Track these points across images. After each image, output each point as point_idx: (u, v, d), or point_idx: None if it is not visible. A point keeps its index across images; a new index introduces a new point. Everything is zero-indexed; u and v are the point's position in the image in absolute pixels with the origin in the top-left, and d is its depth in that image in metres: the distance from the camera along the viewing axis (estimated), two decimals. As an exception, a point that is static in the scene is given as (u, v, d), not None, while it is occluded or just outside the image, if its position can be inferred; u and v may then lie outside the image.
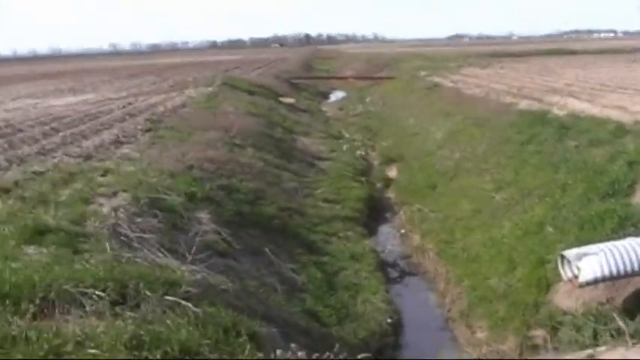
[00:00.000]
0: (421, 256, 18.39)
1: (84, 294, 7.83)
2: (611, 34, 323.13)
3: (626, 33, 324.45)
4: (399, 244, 19.97)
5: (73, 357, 6.63)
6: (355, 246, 17.84)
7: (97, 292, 7.88)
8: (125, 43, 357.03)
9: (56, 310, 7.59)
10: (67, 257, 9.16)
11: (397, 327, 14.37)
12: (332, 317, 13.23)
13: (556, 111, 23.96)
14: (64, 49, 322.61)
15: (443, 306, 15.57)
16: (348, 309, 13.99)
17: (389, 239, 20.30)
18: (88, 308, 7.65)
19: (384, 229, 21.66)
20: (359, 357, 8.41)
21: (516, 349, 11.97)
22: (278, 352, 7.74)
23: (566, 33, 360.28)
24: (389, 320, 14.05)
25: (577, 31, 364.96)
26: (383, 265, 17.63)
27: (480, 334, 13.43)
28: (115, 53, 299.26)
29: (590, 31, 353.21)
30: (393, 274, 17.80)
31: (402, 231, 20.77)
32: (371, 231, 20.56)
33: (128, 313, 7.67)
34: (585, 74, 41.75)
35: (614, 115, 21.04)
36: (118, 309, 7.75)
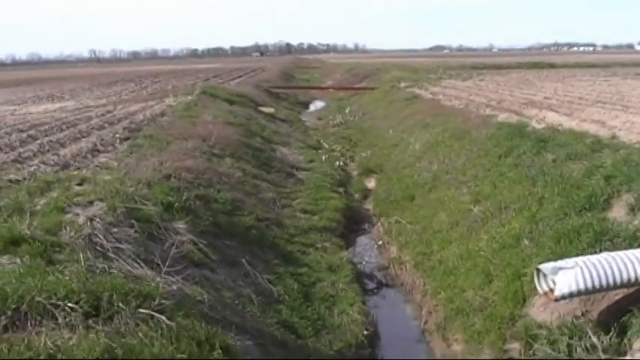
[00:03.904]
0: (398, 267, 18.35)
1: (56, 306, 7.76)
2: (591, 48, 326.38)
3: (605, 47, 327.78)
4: (377, 255, 19.91)
5: (45, 370, 6.59)
6: (332, 257, 17.77)
7: (69, 304, 7.81)
8: (105, 50, 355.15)
9: (28, 323, 7.52)
10: (41, 268, 9.05)
11: (373, 339, 14.31)
12: (308, 329, 13.15)
13: (534, 124, 24.06)
14: (43, 56, 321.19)
15: (419, 318, 15.53)
16: (325, 320, 13.92)
17: (366, 251, 20.22)
18: (60, 321, 7.58)
19: (362, 241, 21.62)
20: None
21: (491, 362, 11.99)
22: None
23: (546, 46, 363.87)
24: (365, 332, 13.97)
25: (557, 45, 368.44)
26: (360, 277, 17.58)
27: (456, 347, 13.42)
28: (95, 60, 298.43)
29: (570, 45, 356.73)
30: (370, 285, 17.76)
31: (380, 242, 20.74)
32: (349, 242, 20.49)
33: (101, 326, 7.61)
34: (564, 88, 42.08)
35: (592, 129, 21.14)
36: (91, 321, 7.69)
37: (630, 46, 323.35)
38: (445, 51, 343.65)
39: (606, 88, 40.37)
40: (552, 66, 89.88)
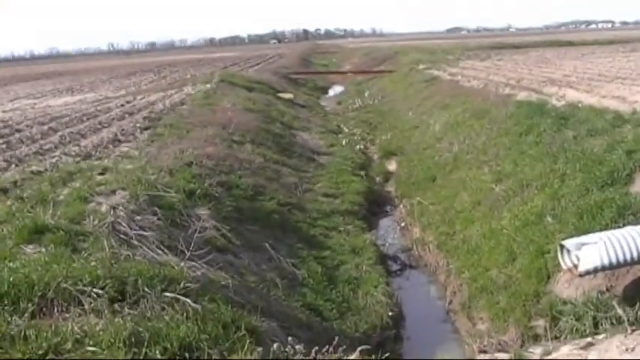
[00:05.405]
0: (421, 248, 18.34)
1: (82, 292, 7.83)
2: (609, 25, 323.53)
3: (623, 23, 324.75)
4: (400, 237, 19.95)
5: (72, 355, 6.63)
6: (355, 239, 17.78)
7: (95, 290, 7.88)
8: (123, 42, 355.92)
9: (55, 309, 7.59)
10: (66, 256, 9.13)
11: (398, 320, 14.31)
12: (333, 311, 13.19)
13: (554, 102, 23.90)
14: (61, 50, 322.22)
15: (444, 298, 15.53)
16: (349, 302, 13.95)
17: (389, 232, 20.27)
18: (86, 306, 7.64)
19: (384, 223, 21.63)
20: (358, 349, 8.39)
21: (517, 339, 11.95)
22: (274, 345, 7.74)
23: (563, 24, 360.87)
24: (390, 313, 13.97)
25: (575, 22, 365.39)
26: (383, 259, 17.56)
27: (481, 326, 13.39)
28: (113, 52, 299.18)
29: (588, 22, 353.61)
30: (394, 267, 17.74)
31: (402, 224, 20.72)
32: (371, 224, 20.50)
33: (127, 310, 7.68)
34: (583, 65, 41.72)
35: (613, 104, 20.98)
36: (116, 306, 7.76)
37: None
38: (463, 32, 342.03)
39: (626, 64, 40.00)
40: (571, 44, 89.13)
